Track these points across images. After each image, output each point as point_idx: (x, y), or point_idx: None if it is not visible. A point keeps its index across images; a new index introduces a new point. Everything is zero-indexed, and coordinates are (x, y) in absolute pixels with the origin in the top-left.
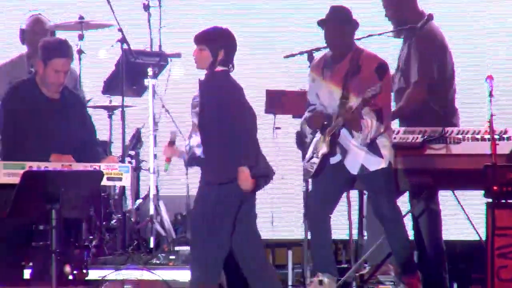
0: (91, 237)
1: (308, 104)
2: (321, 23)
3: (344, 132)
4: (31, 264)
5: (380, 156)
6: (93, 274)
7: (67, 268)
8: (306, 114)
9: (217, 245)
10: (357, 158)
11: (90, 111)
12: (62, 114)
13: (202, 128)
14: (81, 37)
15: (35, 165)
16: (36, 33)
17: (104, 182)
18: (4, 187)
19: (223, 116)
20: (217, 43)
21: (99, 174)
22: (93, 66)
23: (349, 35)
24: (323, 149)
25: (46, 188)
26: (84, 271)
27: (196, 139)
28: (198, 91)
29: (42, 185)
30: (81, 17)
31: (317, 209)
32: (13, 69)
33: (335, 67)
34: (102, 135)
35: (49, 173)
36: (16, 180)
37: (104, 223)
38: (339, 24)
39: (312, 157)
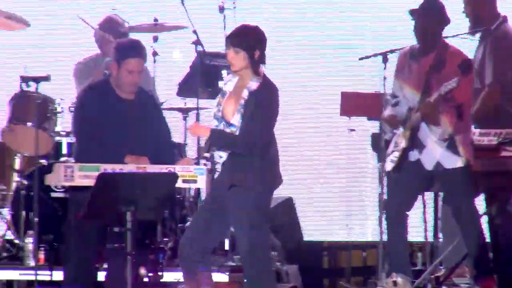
0: (166, 239)
1: (392, 95)
2: (413, 13)
3: (423, 126)
4: (105, 266)
5: (458, 154)
6: (168, 277)
7: (142, 271)
8: (387, 111)
9: None
10: (434, 154)
11: (164, 113)
12: (137, 115)
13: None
14: (155, 39)
15: (110, 167)
16: (106, 35)
17: (179, 184)
18: (79, 189)
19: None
20: (252, 44)
21: (174, 176)
22: (168, 68)
23: (440, 30)
24: (403, 143)
25: (121, 190)
26: (159, 273)
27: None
28: (247, 95)
29: (117, 187)
30: (155, 19)
31: (395, 207)
32: (92, 66)
33: (420, 60)
34: (176, 137)
35: (124, 176)
36: (91, 182)
37: (179, 225)
38: (432, 17)
39: (393, 151)
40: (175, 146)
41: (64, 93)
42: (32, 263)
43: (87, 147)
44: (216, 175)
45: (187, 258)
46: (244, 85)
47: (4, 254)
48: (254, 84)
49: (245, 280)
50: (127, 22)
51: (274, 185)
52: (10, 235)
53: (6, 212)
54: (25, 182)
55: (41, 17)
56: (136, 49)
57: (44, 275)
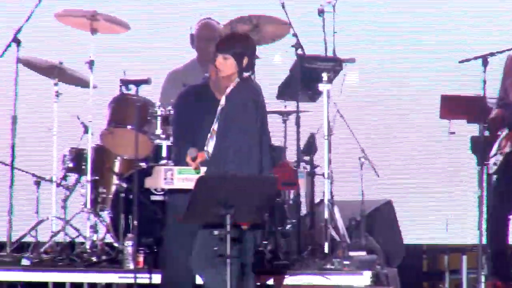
0: (265, 242)
1: (499, 98)
2: None
3: None
4: None
5: None
6: (268, 279)
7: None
8: (494, 111)
9: None
10: None
11: None
12: None
13: (221, 133)
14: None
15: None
16: (204, 38)
17: (279, 187)
18: (178, 192)
19: (245, 124)
20: (241, 51)
21: (274, 180)
22: (268, 71)
23: None
24: (507, 147)
25: (221, 193)
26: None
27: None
28: (224, 98)
29: (217, 191)
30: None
31: (496, 210)
32: (187, 74)
33: None
34: (276, 140)
35: (224, 179)
36: (190, 185)
37: (279, 228)
38: None
39: (495, 154)
40: (274, 150)
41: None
42: (131, 266)
43: (186, 150)
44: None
45: None
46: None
47: (104, 257)
48: (229, 90)
49: None
50: (223, 26)
51: None
52: (109, 238)
53: (106, 215)
54: (125, 185)
55: (142, 20)
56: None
57: (143, 278)
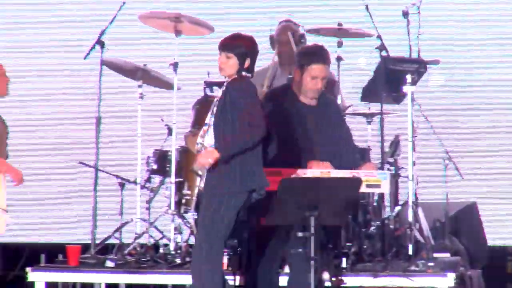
0: (349, 244)
1: None
2: None
3: None
4: (287, 271)
5: None
6: (351, 281)
7: (325, 275)
8: None
9: None
10: None
11: (348, 118)
12: (319, 121)
13: (217, 129)
14: (340, 44)
15: (293, 173)
16: (284, 41)
17: (363, 189)
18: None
19: (241, 120)
20: (244, 51)
21: (358, 181)
22: (352, 73)
23: None
24: None
25: (305, 195)
26: (342, 278)
27: (210, 139)
28: (221, 92)
29: (301, 193)
30: (339, 24)
31: None
32: (269, 74)
33: None
34: (360, 142)
35: (308, 181)
36: (274, 187)
37: (363, 230)
38: None
39: None
40: (358, 151)
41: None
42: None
43: (269, 152)
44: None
45: None
46: None
47: (187, 259)
48: (227, 83)
49: None
50: (302, 27)
51: None
52: (193, 240)
53: (190, 217)
54: None
55: (226, 22)
56: (321, 55)
57: (230, 280)
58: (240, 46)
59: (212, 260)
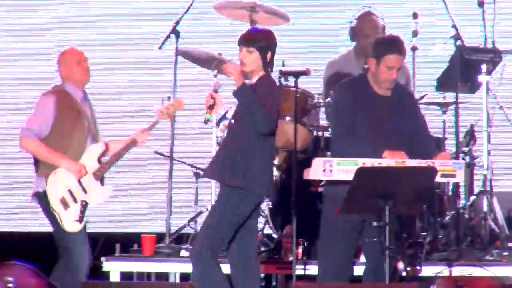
0: (424, 233)
1: None
2: None
3: None
4: (363, 260)
5: None
6: (426, 271)
7: (400, 265)
8: None
9: None
10: None
11: (423, 107)
12: (394, 111)
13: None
14: (415, 34)
15: (368, 162)
16: (363, 32)
17: (438, 178)
18: (336, 183)
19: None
20: (266, 45)
21: (433, 171)
22: (427, 62)
23: None
24: None
25: (380, 184)
26: (417, 267)
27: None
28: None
29: (376, 182)
30: (415, 14)
31: None
32: (345, 64)
33: None
34: (435, 131)
35: (383, 170)
36: (349, 176)
37: (437, 219)
38: None
39: None
40: (433, 141)
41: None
42: (290, 257)
43: (344, 142)
44: None
45: None
46: None
47: (263, 248)
48: (254, 79)
49: None
50: (382, 19)
51: None
52: (268, 230)
53: (265, 206)
54: (284, 176)
55: (300, 12)
56: (397, 46)
57: (301, 270)
58: (260, 39)
59: (217, 253)
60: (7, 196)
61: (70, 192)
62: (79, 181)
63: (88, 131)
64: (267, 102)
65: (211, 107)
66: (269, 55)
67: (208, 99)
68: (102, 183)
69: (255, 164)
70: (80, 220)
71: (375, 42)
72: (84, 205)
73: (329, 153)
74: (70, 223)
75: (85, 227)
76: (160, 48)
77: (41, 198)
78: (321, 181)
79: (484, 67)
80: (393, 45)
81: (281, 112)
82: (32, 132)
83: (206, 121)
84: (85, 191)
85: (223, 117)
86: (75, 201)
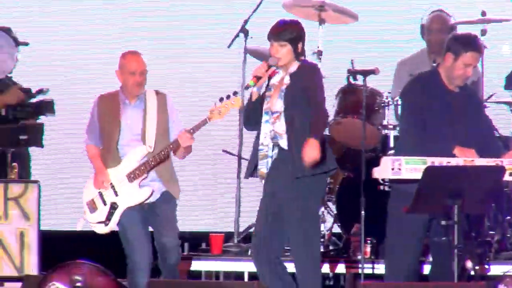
0: (492, 232)
1: None
2: None
3: None
4: (430, 259)
5: None
6: (495, 270)
7: (469, 264)
8: None
9: None
10: None
11: (492, 106)
12: (462, 108)
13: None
14: (484, 33)
15: (437, 161)
16: (434, 30)
17: (506, 177)
18: (404, 182)
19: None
20: (296, 37)
21: (502, 170)
22: (496, 61)
23: None
24: None
25: (449, 183)
26: (486, 266)
27: (281, 126)
28: (287, 79)
29: (445, 181)
30: (483, 13)
31: None
32: (416, 63)
33: None
34: (504, 130)
35: (452, 169)
36: (418, 175)
37: (506, 218)
38: None
39: None
40: (501, 140)
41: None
42: (358, 256)
43: (414, 140)
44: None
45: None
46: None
47: (331, 247)
48: (293, 68)
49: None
50: (452, 17)
51: None
52: (337, 229)
53: (333, 205)
54: (352, 175)
55: (370, 11)
56: (476, 44)
57: (369, 269)
58: (291, 32)
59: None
60: (73, 195)
61: (101, 194)
62: (112, 184)
63: (131, 135)
64: (322, 97)
65: (258, 78)
66: (300, 45)
67: (260, 69)
68: (140, 184)
69: None
70: (107, 222)
71: (454, 37)
72: (114, 207)
73: (392, 152)
74: (95, 225)
75: (146, 226)
76: (229, 47)
77: None
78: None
79: None
80: (473, 42)
81: (349, 111)
82: (87, 138)
83: (247, 87)
84: (116, 194)
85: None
86: (105, 203)
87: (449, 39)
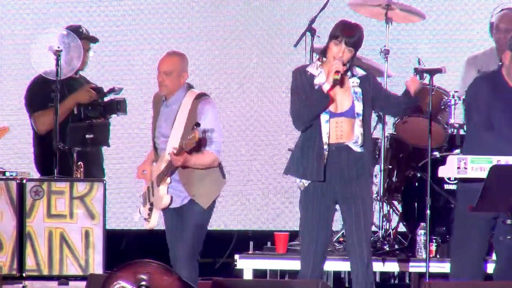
0: None
1: None
2: None
3: None
4: (495, 258)
5: None
6: None
7: None
8: None
9: None
10: None
11: None
12: None
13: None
14: None
15: (503, 160)
16: (503, 29)
17: None
18: (470, 181)
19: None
20: (360, 44)
21: None
22: None
23: None
24: None
25: None
26: None
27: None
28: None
29: (510, 180)
30: None
31: None
32: (484, 61)
33: None
34: None
35: None
36: (484, 174)
37: None
38: None
39: None
40: None
41: (458, 85)
42: (423, 255)
43: (481, 138)
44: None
45: None
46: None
47: (396, 246)
48: (357, 71)
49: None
50: None
51: None
52: (402, 227)
53: (399, 204)
54: (418, 174)
55: (436, 10)
56: None
57: (434, 267)
58: (360, 38)
59: None
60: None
61: (148, 190)
62: (152, 184)
63: (162, 137)
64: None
65: (338, 72)
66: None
67: (338, 64)
68: (166, 189)
69: None
70: (148, 219)
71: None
72: (151, 207)
73: (457, 151)
74: (144, 220)
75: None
76: (295, 46)
77: None
78: (455, 178)
79: None
80: None
81: (416, 110)
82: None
83: (336, 82)
84: (153, 194)
85: None
86: (149, 200)
87: (510, 37)
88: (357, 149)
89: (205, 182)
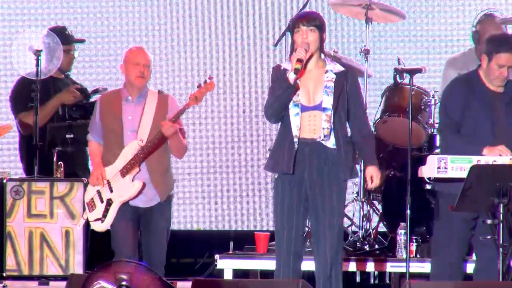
0: None
1: None
2: None
3: None
4: (474, 258)
5: None
6: None
7: None
8: None
9: None
10: None
11: None
12: (505, 108)
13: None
14: None
15: (483, 160)
16: (486, 31)
17: None
18: (450, 181)
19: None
20: (322, 24)
21: None
22: None
23: None
24: None
25: (494, 182)
26: None
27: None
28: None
29: (490, 180)
30: None
31: None
32: (464, 62)
33: None
34: None
35: (497, 168)
36: (463, 174)
37: None
38: None
39: None
40: None
41: (438, 84)
42: (403, 255)
43: (450, 138)
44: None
45: None
46: (319, 67)
47: (376, 246)
48: (335, 67)
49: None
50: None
51: None
52: (382, 227)
53: (378, 204)
54: (398, 174)
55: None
56: (509, 44)
57: (415, 267)
58: (320, 19)
59: None
60: None
61: (99, 192)
62: (108, 181)
63: (130, 132)
64: (364, 108)
65: (301, 61)
66: (324, 36)
67: (300, 52)
68: (133, 179)
69: None
70: (102, 218)
71: (487, 39)
72: (109, 203)
73: (438, 150)
74: (93, 223)
75: (135, 224)
76: (275, 45)
77: None
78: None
79: None
80: (505, 43)
81: (395, 110)
82: (90, 135)
83: (296, 71)
84: (111, 190)
85: None
86: (102, 201)
87: (484, 41)
88: (328, 145)
89: (167, 178)
